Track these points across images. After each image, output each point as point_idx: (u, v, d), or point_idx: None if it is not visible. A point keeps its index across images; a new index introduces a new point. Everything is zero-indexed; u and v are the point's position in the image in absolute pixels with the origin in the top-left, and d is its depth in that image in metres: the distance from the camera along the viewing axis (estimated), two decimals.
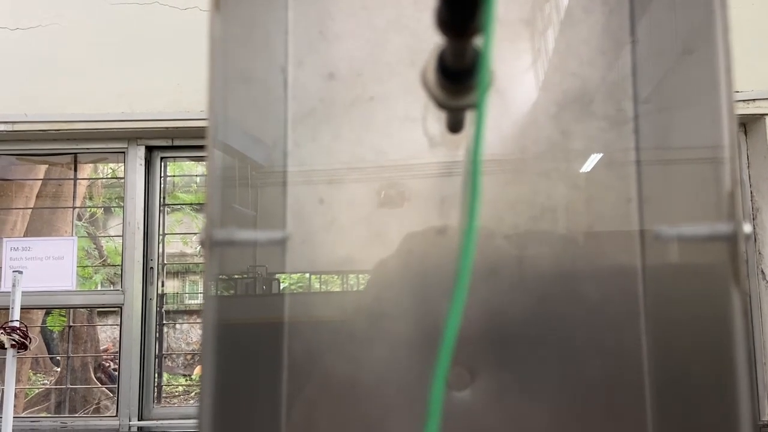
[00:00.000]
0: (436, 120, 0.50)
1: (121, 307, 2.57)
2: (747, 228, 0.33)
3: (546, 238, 0.49)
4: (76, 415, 2.81)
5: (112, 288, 2.80)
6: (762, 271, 2.51)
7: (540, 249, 0.49)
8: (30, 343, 2.47)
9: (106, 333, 4.23)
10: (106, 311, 4.08)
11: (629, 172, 0.47)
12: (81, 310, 3.50)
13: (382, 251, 0.50)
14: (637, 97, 0.48)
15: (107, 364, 3.86)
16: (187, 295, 3.50)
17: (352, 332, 0.51)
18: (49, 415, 2.78)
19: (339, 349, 0.50)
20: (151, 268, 2.63)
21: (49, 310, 3.57)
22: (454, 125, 0.40)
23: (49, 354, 3.30)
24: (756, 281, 2.52)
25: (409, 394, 0.47)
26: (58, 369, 3.42)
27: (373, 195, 0.51)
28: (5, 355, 2.33)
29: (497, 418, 0.47)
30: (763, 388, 2.42)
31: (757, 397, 2.54)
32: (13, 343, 2.33)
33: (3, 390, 2.27)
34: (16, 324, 2.33)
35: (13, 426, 2.28)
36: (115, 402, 2.68)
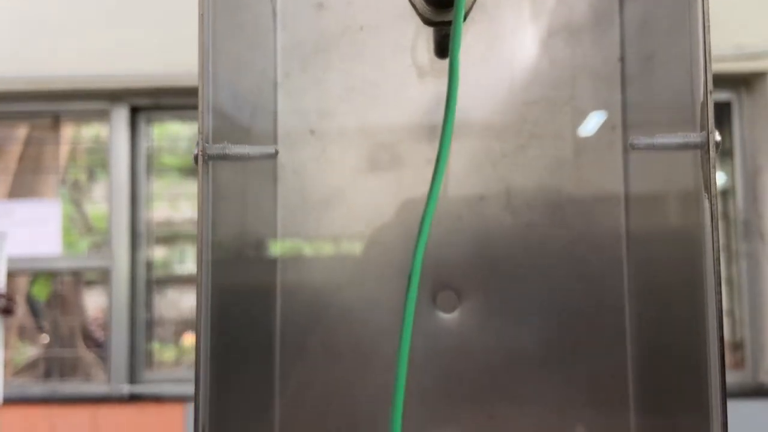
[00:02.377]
0: (426, 49, 0.53)
1: (108, 272, 2.60)
2: (717, 137, 0.36)
3: (532, 165, 0.52)
4: (66, 380, 2.87)
5: (98, 252, 2.82)
6: (761, 233, 2.56)
7: (527, 176, 0.52)
8: (16, 308, 2.50)
9: (95, 302, 4.29)
10: (92, 281, 4.12)
11: (615, 98, 0.50)
12: (67, 279, 3.53)
13: (373, 181, 0.53)
14: (624, 24, 0.50)
15: (95, 333, 3.93)
16: (177, 262, 3.54)
17: (344, 261, 0.54)
18: (39, 380, 2.83)
19: (331, 277, 0.54)
20: (139, 232, 2.65)
21: (34, 279, 3.60)
22: (441, 46, 0.42)
23: (35, 323, 3.35)
24: (755, 243, 2.56)
25: (399, 318, 0.50)
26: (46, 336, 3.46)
27: (364, 126, 0.53)
28: None
29: (484, 338, 0.51)
30: (763, 351, 2.50)
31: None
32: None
33: None
34: (1, 290, 2.37)
35: (3, 392, 2.33)
36: (105, 368, 2.73)
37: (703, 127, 0.36)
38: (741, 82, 2.65)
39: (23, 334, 3.80)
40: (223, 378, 0.44)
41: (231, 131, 0.45)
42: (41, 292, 3.52)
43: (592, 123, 0.52)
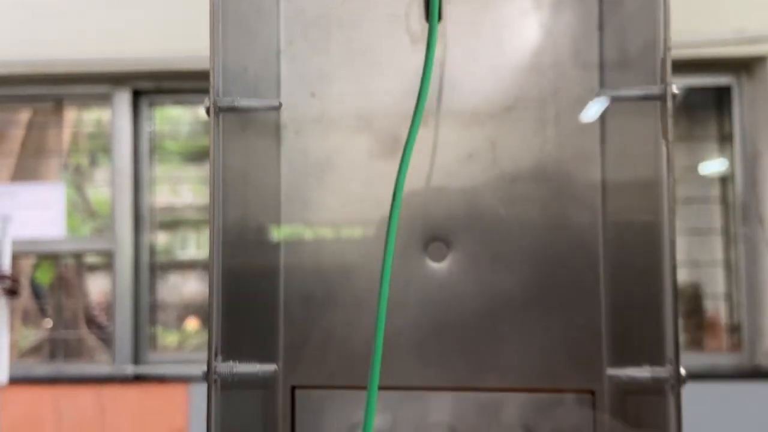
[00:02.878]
0: (418, 17, 0.57)
1: (111, 254, 2.66)
2: (675, 90, 0.40)
3: (517, 125, 0.57)
4: (71, 361, 2.93)
5: (101, 236, 2.88)
6: (760, 217, 2.60)
7: (512, 136, 0.56)
8: (21, 289, 2.56)
9: (98, 287, 4.34)
10: (94, 266, 4.17)
11: (593, 63, 0.55)
12: (70, 264, 3.58)
13: (370, 140, 0.58)
14: None
15: (98, 317, 3.99)
16: (178, 248, 3.59)
17: (344, 216, 0.59)
18: (43, 362, 2.89)
19: (333, 231, 0.59)
20: (141, 215, 2.70)
21: (37, 264, 3.65)
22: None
23: (39, 307, 3.41)
24: (754, 226, 2.61)
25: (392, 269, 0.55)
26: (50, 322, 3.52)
27: (361, 89, 0.58)
28: None
29: (470, 284, 0.56)
30: (760, 333, 2.55)
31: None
32: (5, 289, 2.42)
33: None
34: (6, 272, 2.42)
35: (8, 373, 2.39)
36: (109, 351, 2.79)
37: (663, 80, 0.41)
38: (741, 67, 2.68)
39: (27, 318, 3.87)
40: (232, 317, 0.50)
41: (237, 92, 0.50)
42: (44, 276, 3.58)
43: (593, 110, 0.56)
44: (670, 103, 0.40)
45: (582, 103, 0.56)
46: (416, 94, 0.57)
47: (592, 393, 0.54)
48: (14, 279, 2.48)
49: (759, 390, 2.46)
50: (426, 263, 0.57)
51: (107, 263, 4.46)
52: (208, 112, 0.44)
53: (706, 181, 2.96)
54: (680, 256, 3.10)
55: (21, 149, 3.30)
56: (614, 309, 0.53)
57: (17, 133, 3.28)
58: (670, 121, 0.40)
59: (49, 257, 3.49)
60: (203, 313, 4.49)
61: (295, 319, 0.57)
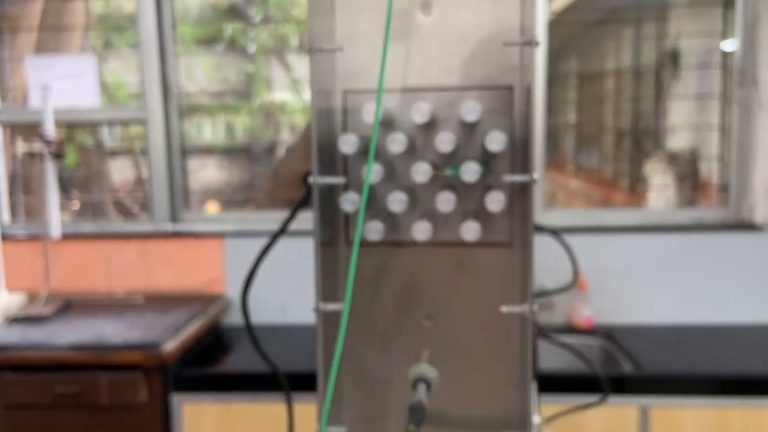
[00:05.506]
0: None
1: (145, 122, 3.14)
2: None
3: None
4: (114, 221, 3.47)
5: (134, 105, 3.35)
6: (754, 79, 2.99)
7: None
8: (65, 152, 3.06)
9: (119, 172, 4.87)
10: (114, 152, 4.68)
11: None
12: (91, 149, 4.09)
13: None
14: None
15: (125, 200, 4.53)
16: (194, 134, 4.06)
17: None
18: (89, 221, 3.43)
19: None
20: (169, 85, 3.15)
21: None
22: None
23: (65, 191, 3.89)
24: (749, 88, 3.00)
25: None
26: (77, 204, 4.05)
27: None
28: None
29: (447, 28, 1.05)
30: (746, 190, 3.01)
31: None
32: (51, 152, 2.93)
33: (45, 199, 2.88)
34: (51, 137, 2.92)
35: (60, 229, 2.92)
36: (147, 211, 3.32)
37: None
38: None
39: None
40: None
41: None
42: (70, 159, 4.09)
43: None
44: None
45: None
46: None
47: (510, 88, 1.03)
48: (59, 143, 2.97)
49: (741, 240, 2.96)
50: (420, 17, 1.05)
51: (127, 148, 5.00)
52: None
53: (711, 48, 3.33)
54: (681, 120, 3.52)
55: (41, 24, 3.68)
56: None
57: (36, 7, 3.66)
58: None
59: (73, 139, 4.00)
60: (222, 196, 5.04)
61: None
